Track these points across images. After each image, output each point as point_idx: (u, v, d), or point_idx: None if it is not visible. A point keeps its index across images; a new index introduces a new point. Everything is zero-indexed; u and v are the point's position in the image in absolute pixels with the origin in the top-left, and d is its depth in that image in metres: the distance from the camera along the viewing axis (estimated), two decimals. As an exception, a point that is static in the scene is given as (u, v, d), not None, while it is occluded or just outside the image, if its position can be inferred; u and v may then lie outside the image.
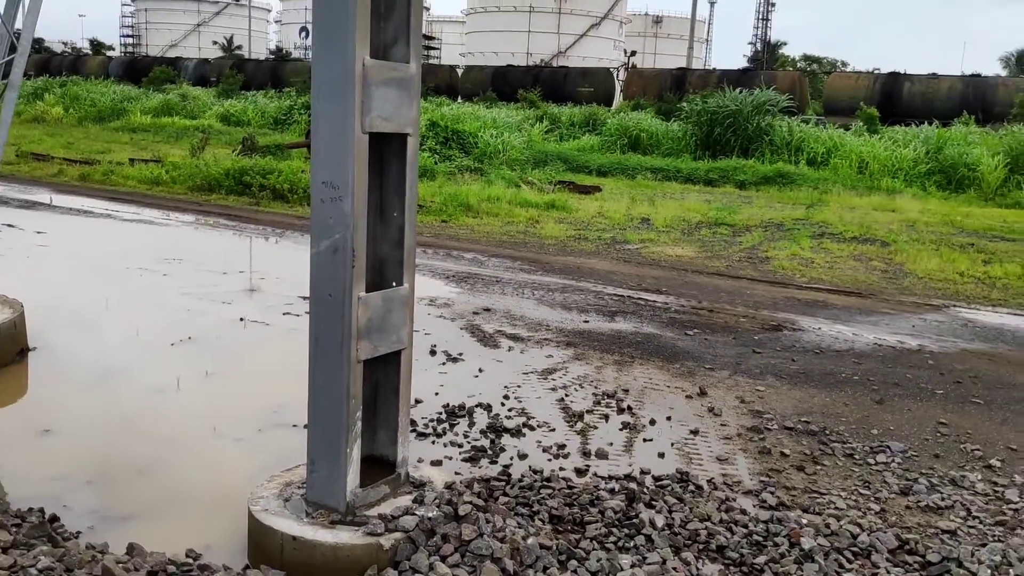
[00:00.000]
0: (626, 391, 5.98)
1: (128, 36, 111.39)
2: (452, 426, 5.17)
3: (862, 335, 7.84)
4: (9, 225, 11.38)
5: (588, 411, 5.54)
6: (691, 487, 4.42)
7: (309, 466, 3.61)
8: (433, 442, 4.94)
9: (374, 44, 3.40)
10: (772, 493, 4.41)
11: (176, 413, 5.24)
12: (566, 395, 5.83)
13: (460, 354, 6.67)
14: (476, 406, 5.49)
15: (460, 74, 50.19)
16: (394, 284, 3.64)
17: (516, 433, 5.09)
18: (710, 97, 26.87)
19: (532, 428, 5.20)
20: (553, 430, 5.19)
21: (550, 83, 44.74)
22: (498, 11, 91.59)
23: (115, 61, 60.16)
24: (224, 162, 16.99)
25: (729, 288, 9.66)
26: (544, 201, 15.83)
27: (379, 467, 3.78)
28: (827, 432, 5.37)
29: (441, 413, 5.35)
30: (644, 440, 5.13)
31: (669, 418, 5.51)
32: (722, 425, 5.46)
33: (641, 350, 7.02)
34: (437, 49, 79.46)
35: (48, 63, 59.11)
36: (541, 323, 7.74)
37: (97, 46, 78.66)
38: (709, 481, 4.52)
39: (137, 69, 54.26)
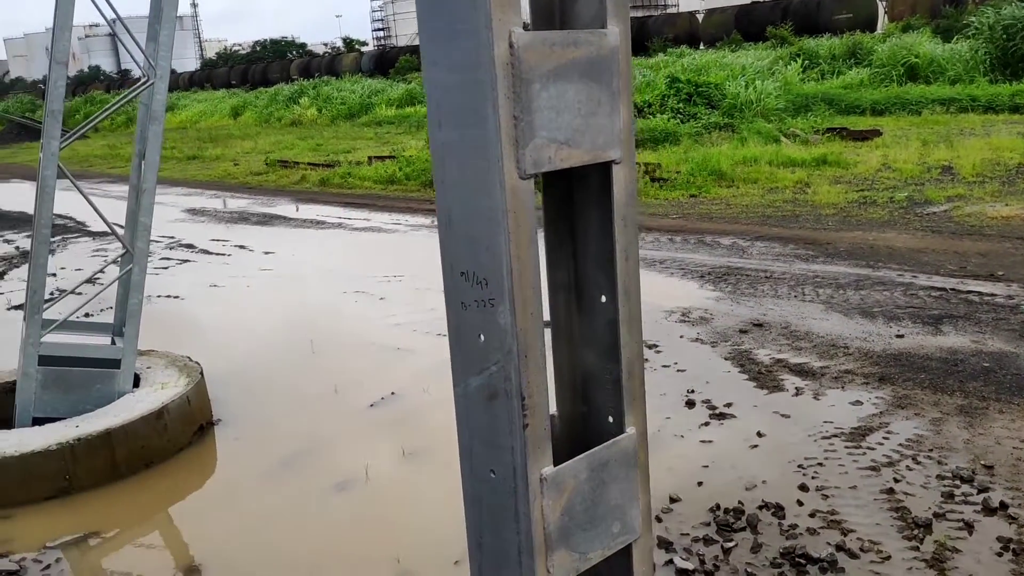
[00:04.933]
0: (989, 468, 3.98)
1: (379, 30, 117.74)
2: (727, 551, 3.51)
3: None
4: (241, 247, 11.08)
5: (937, 514, 3.64)
6: None
7: None
8: (701, 585, 3.33)
9: (535, 1, 1.80)
10: None
11: (355, 535, 4.02)
12: (895, 480, 3.95)
13: (728, 405, 4.95)
14: (760, 508, 3.79)
15: (700, 19, 47.02)
16: (609, 428, 2.05)
17: (828, 567, 3.34)
18: (1002, 5, 22.43)
19: (852, 554, 3.41)
20: (887, 558, 3.37)
21: (801, 15, 40.42)
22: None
23: (366, 56, 62.73)
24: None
25: (1096, 263, 7.07)
26: (812, 157, 13.42)
27: None
28: None
29: (709, 523, 3.71)
30: (1049, 582, 3.19)
31: (1078, 528, 3.48)
32: None
33: (994, 384, 4.91)
34: (674, -5, 75.59)
35: (308, 66, 62.88)
36: (836, 343, 5.80)
37: (349, 44, 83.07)
38: None
39: (385, 61, 56.16)
